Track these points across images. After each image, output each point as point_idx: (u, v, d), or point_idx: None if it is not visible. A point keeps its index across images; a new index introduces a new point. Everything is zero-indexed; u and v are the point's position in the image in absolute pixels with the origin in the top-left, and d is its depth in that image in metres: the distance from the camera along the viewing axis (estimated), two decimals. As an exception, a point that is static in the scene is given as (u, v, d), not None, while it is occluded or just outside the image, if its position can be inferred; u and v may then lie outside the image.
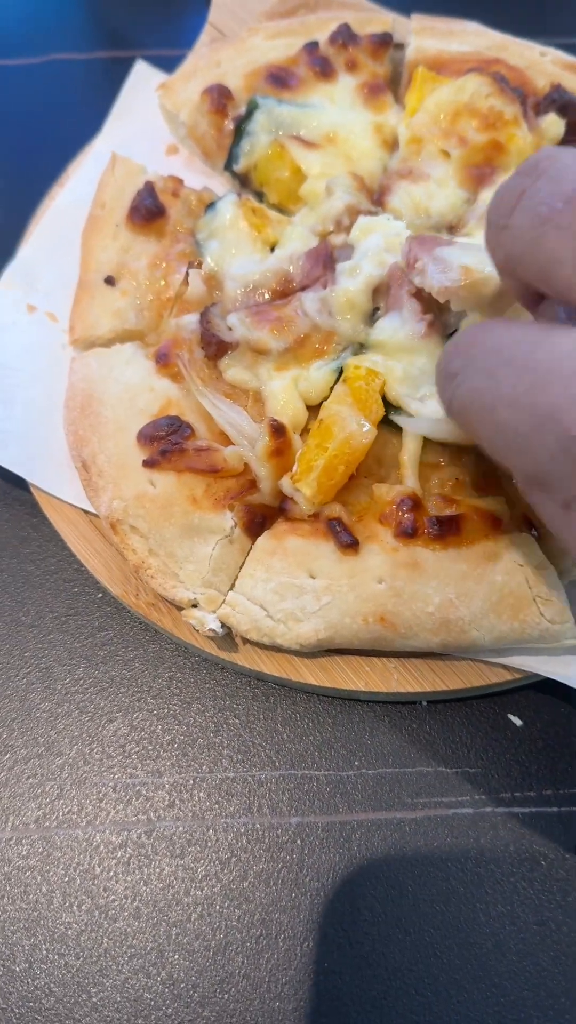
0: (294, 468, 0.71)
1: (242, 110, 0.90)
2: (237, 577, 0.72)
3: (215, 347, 0.75)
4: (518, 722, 0.74)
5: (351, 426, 0.70)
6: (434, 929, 0.68)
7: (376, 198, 0.84)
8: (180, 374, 0.76)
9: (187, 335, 0.77)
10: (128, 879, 0.70)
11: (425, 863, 0.70)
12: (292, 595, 0.69)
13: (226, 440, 0.73)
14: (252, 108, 0.89)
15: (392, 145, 0.89)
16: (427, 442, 0.71)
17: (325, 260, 0.77)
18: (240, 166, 0.89)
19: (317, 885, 0.69)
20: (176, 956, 0.67)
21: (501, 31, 0.97)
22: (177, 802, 0.72)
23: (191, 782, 0.73)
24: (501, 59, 0.93)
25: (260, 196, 0.89)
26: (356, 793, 0.72)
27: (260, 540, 0.72)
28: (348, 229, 0.80)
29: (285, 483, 0.71)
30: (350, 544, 0.69)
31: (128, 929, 0.68)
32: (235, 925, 0.68)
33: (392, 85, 0.95)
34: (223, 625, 0.71)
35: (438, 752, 0.73)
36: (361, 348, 0.75)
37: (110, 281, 0.83)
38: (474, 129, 0.84)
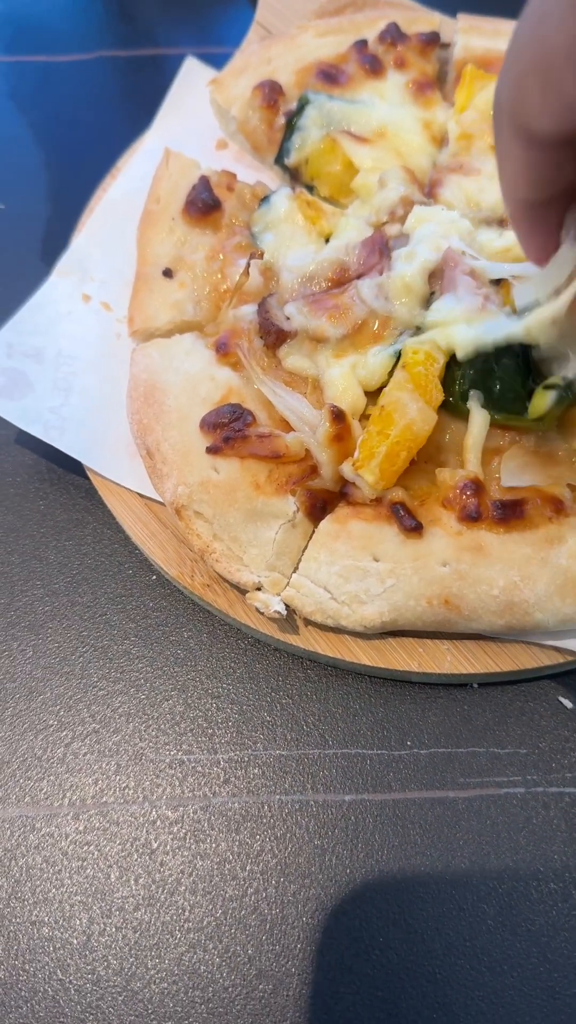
0: (355, 454, 0.73)
1: (293, 105, 0.92)
2: (300, 560, 0.73)
3: (274, 336, 0.77)
4: (569, 705, 0.75)
5: (412, 412, 0.71)
6: (487, 906, 0.69)
7: (427, 191, 0.86)
8: (240, 363, 0.78)
9: (245, 325, 0.78)
10: (184, 854, 0.71)
11: (478, 841, 0.71)
12: (356, 578, 0.70)
13: (286, 427, 0.75)
14: (304, 103, 0.91)
15: (441, 141, 0.91)
16: (489, 427, 0.73)
17: (381, 248, 0.78)
18: (291, 160, 0.91)
19: (371, 861, 0.70)
20: (233, 930, 0.68)
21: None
22: (232, 779, 0.73)
23: (245, 759, 0.74)
24: (547, 58, 0.95)
25: (310, 189, 0.91)
26: (408, 772, 0.73)
27: (323, 524, 0.73)
28: (402, 219, 0.82)
29: (346, 468, 0.73)
30: (414, 528, 0.70)
31: (184, 903, 0.70)
32: (290, 900, 0.69)
33: (439, 83, 0.96)
34: (287, 607, 0.72)
35: (490, 733, 0.74)
36: (418, 332, 0.76)
37: (168, 273, 0.84)
38: (523, 125, 0.86)
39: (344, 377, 0.75)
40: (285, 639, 0.75)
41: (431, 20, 0.99)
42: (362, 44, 0.95)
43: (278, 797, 0.73)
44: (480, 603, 0.69)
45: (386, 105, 0.91)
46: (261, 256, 0.82)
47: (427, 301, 0.77)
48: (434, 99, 0.93)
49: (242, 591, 0.74)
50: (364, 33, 0.97)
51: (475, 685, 0.76)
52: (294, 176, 0.92)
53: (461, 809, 0.72)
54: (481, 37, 0.97)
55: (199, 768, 0.74)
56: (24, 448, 0.88)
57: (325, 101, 0.90)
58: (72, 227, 0.95)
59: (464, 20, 1.00)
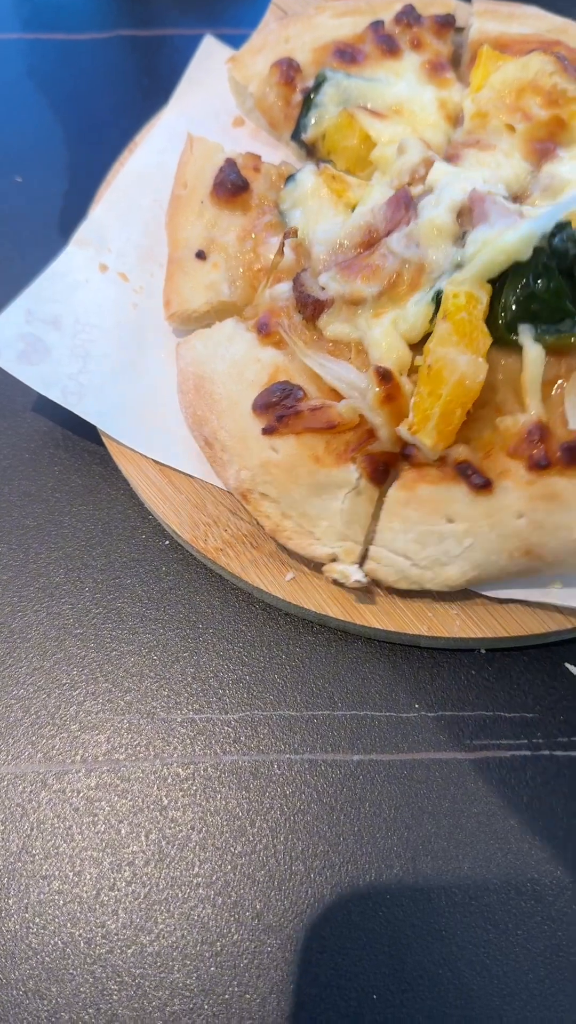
0: (410, 415, 0.73)
1: (310, 83, 0.93)
2: (374, 529, 0.74)
3: (311, 307, 0.77)
4: (575, 671, 0.76)
5: (462, 366, 0.71)
6: (492, 864, 0.70)
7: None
8: (283, 341, 0.78)
9: (282, 303, 0.79)
10: (195, 810, 0.72)
11: (484, 802, 0.72)
12: (433, 542, 0.72)
13: (337, 396, 0.75)
14: (321, 81, 0.92)
15: (455, 120, 0.92)
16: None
17: (406, 203, 0.78)
18: (308, 135, 0.92)
19: (379, 820, 0.71)
20: (241, 886, 0.69)
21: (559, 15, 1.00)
22: (242, 738, 0.74)
23: (256, 719, 0.75)
24: (561, 41, 0.96)
25: (326, 163, 0.92)
26: (416, 734, 0.74)
27: (391, 492, 0.74)
28: (424, 180, 0.82)
29: (403, 430, 0.73)
30: (483, 485, 0.70)
31: (194, 859, 0.71)
32: (299, 856, 0.70)
33: (453, 64, 0.97)
34: (366, 576, 0.73)
35: (496, 698, 0.75)
36: (458, 267, 0.76)
37: (201, 255, 0.85)
38: (538, 105, 0.87)
39: (386, 335, 0.75)
40: (297, 601, 0.76)
41: (446, 3, 1.01)
42: (379, 25, 0.96)
43: (287, 756, 0.74)
44: (563, 548, 0.70)
45: (402, 84, 0.92)
46: (295, 234, 0.82)
47: (460, 240, 0.77)
48: (449, 79, 0.94)
49: (319, 565, 0.75)
50: (380, 14, 0.98)
51: (482, 651, 0.77)
52: (310, 151, 0.93)
53: (468, 770, 0.73)
54: (496, 21, 0.99)
55: (210, 727, 0.75)
56: (39, 415, 0.89)
57: (342, 79, 0.92)
58: (88, 200, 0.96)
59: (479, 4, 1.01)
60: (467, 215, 0.78)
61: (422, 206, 0.79)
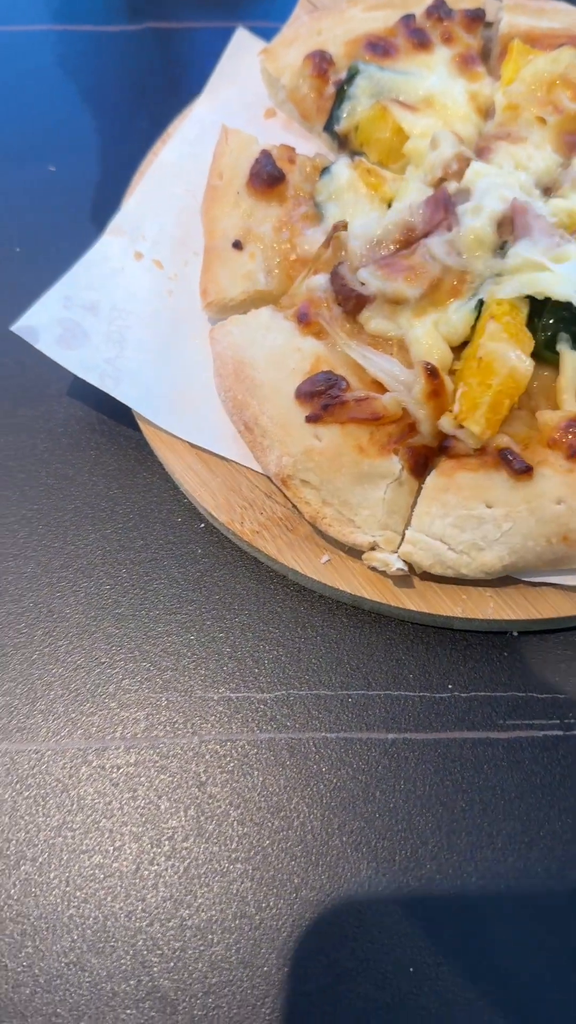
0: (455, 408, 0.75)
1: (343, 75, 0.94)
2: (412, 516, 0.76)
3: (353, 302, 0.79)
4: (607, 653, 0.78)
5: (512, 360, 0.74)
6: (526, 839, 0.71)
7: (476, 157, 0.88)
8: (323, 332, 0.80)
9: (320, 295, 0.81)
10: (233, 786, 0.73)
11: (516, 780, 0.73)
12: (471, 526, 0.73)
13: (378, 388, 0.77)
14: (353, 73, 0.93)
15: (486, 113, 0.94)
16: None
17: (445, 204, 0.80)
18: (341, 127, 0.93)
19: (413, 797, 0.72)
20: (279, 860, 0.71)
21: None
22: (279, 716, 0.76)
23: (291, 699, 0.76)
24: (590, 36, 0.98)
25: (358, 155, 0.93)
26: (450, 714, 0.76)
27: (430, 479, 0.76)
28: (458, 175, 0.84)
29: (445, 422, 0.75)
30: (525, 470, 0.72)
31: (233, 834, 0.72)
32: (335, 831, 0.71)
33: (484, 58, 0.99)
34: (406, 563, 0.75)
35: (529, 679, 0.77)
36: (498, 279, 0.78)
37: (238, 245, 0.87)
38: (568, 98, 0.89)
39: (428, 335, 0.77)
40: (332, 584, 0.77)
41: (476, -2, 1.02)
42: (410, 19, 0.97)
43: (323, 735, 0.75)
44: None
45: (434, 77, 0.94)
46: (345, 227, 0.83)
47: (500, 250, 0.79)
48: (479, 73, 0.95)
49: (358, 552, 0.77)
50: (411, 8, 0.99)
51: (515, 633, 0.78)
52: (342, 143, 0.95)
53: (500, 749, 0.74)
54: (526, 15, 1.00)
55: (247, 705, 0.76)
56: (75, 400, 0.91)
57: (375, 71, 0.93)
58: (120, 190, 0.98)
59: (509, -1, 1.03)
60: (507, 225, 0.80)
61: (462, 212, 0.81)
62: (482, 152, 0.89)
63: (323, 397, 0.77)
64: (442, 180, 0.86)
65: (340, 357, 0.80)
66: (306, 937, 0.68)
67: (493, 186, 0.81)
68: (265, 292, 0.86)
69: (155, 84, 1.13)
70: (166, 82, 1.09)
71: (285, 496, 0.80)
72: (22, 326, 0.83)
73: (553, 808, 0.72)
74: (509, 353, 0.74)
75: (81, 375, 0.82)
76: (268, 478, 0.81)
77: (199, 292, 0.88)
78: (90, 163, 1.07)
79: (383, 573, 0.76)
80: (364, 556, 0.76)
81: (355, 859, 0.70)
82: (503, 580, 0.77)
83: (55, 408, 0.90)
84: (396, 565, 0.74)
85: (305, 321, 0.81)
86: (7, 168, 1.06)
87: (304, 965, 0.67)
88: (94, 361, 0.83)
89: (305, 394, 0.77)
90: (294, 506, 0.79)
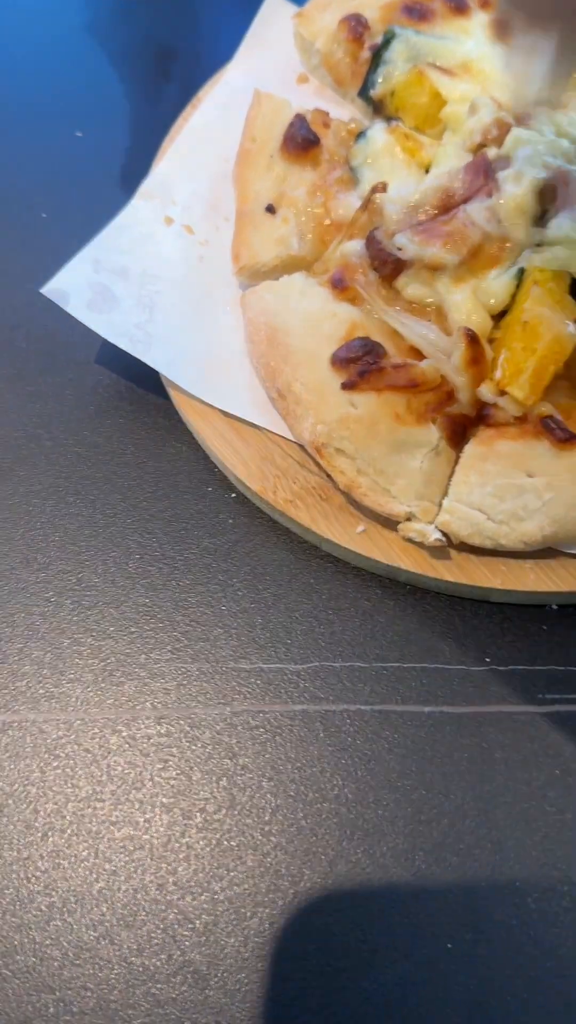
0: (497, 373, 0.73)
1: (378, 40, 0.92)
2: (448, 486, 0.74)
3: (391, 267, 0.77)
4: None
5: (557, 326, 0.72)
6: (568, 814, 0.69)
7: (516, 123, 0.86)
8: (359, 297, 0.78)
9: (355, 260, 0.79)
10: (265, 757, 0.72)
11: (556, 754, 0.71)
12: (512, 495, 0.71)
13: (415, 356, 0.75)
14: (390, 37, 0.91)
15: (525, 79, 0.91)
16: None
17: (486, 169, 0.79)
18: (377, 92, 0.91)
19: (451, 771, 0.71)
20: (314, 834, 0.69)
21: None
22: (312, 688, 0.74)
23: (325, 671, 0.75)
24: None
25: (394, 120, 0.91)
26: (488, 687, 0.74)
27: (468, 447, 0.74)
28: (498, 142, 0.82)
29: (484, 390, 0.73)
30: (569, 438, 0.70)
31: (266, 806, 0.70)
32: (371, 804, 0.70)
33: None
34: (443, 534, 0.73)
35: (569, 653, 0.75)
36: (538, 248, 0.77)
37: (271, 209, 0.85)
38: (611, 62, 0.86)
39: (468, 301, 0.76)
40: (368, 554, 0.76)
41: (513, -37, 1.00)
42: (446, -18, 0.95)
43: (357, 707, 0.74)
44: None
45: (471, 41, 0.92)
46: (384, 189, 0.81)
47: (541, 220, 0.78)
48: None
49: (394, 523, 0.75)
50: (448, -28, 0.97)
51: (554, 607, 0.77)
52: (377, 108, 0.93)
53: (540, 723, 0.73)
54: (564, -20, 0.98)
55: (279, 677, 0.75)
56: (103, 367, 0.89)
57: (411, 36, 0.91)
58: (148, 155, 0.96)
59: (546, -36, 1.00)
60: (550, 193, 0.78)
61: (503, 178, 0.79)
62: (521, 119, 0.87)
63: (360, 363, 0.75)
64: (481, 146, 0.84)
65: (376, 323, 0.78)
66: (341, 912, 0.66)
67: (535, 153, 0.79)
68: (298, 257, 0.84)
69: (185, 49, 1.11)
70: (196, 47, 1.07)
71: (318, 465, 0.78)
72: (52, 289, 0.81)
73: (594, 784, 0.70)
74: (554, 318, 0.72)
75: (111, 339, 0.81)
76: (301, 447, 0.79)
77: (231, 257, 0.86)
78: (117, 129, 1.05)
79: (419, 544, 0.75)
80: (400, 527, 0.75)
81: (391, 833, 0.69)
82: (544, 552, 0.75)
83: (83, 376, 0.89)
84: (433, 535, 0.73)
85: (340, 286, 0.79)
86: (33, 133, 1.05)
87: (338, 940, 0.65)
88: (124, 326, 0.82)
89: (341, 360, 0.76)
90: (328, 475, 0.77)
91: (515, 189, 0.77)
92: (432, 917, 0.66)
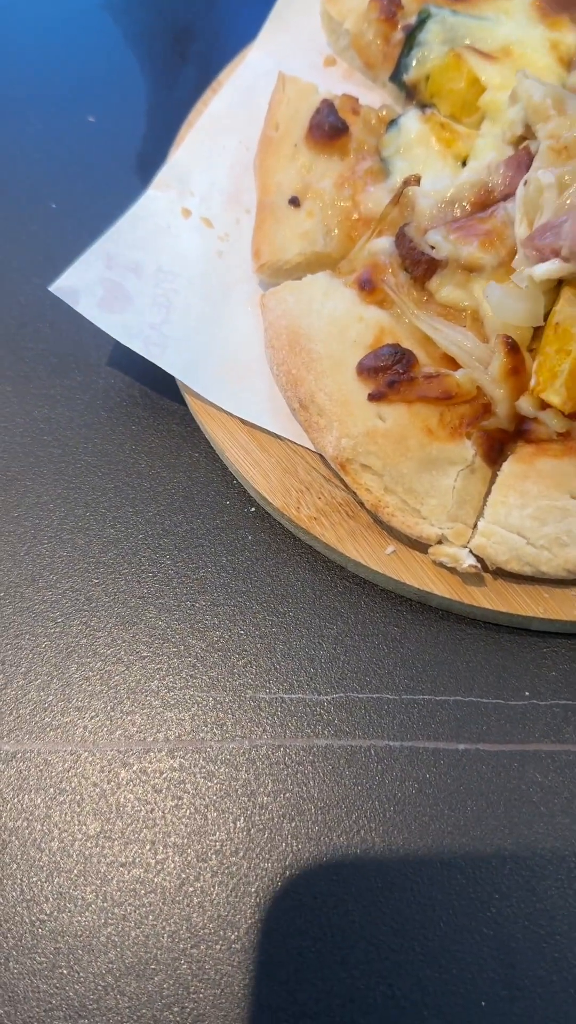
0: (532, 379, 0.68)
1: (412, 20, 0.87)
2: (484, 507, 0.69)
3: (424, 267, 0.72)
4: None
5: None
6: (611, 867, 0.64)
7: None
8: (388, 300, 0.73)
9: (384, 259, 0.74)
10: (287, 796, 0.67)
11: (601, 799, 0.66)
12: (555, 519, 0.66)
13: (448, 365, 0.70)
14: (425, 17, 0.85)
15: (568, 63, 0.86)
16: None
17: (528, 165, 0.73)
18: (410, 76, 0.86)
19: (488, 815, 0.66)
20: (338, 881, 0.64)
21: None
22: (336, 721, 0.69)
23: (351, 702, 0.70)
24: None
25: (428, 107, 0.85)
26: (527, 723, 0.69)
27: (507, 465, 0.69)
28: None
29: (524, 403, 0.68)
30: None
31: (287, 849, 0.66)
32: (400, 850, 0.65)
33: (566, 4, 0.90)
34: (478, 558, 0.68)
35: (615, 687, 0.70)
36: None
37: (295, 202, 0.80)
38: None
39: None
40: (398, 577, 0.71)
41: None
42: (486, -41, 0.89)
43: (386, 743, 0.69)
44: None
45: (512, 23, 0.86)
46: (417, 182, 0.76)
47: None
48: (562, 20, 0.87)
49: (424, 546, 0.70)
50: (488, -52, 0.91)
51: (599, 636, 0.71)
52: (410, 94, 0.87)
53: (585, 764, 0.67)
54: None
55: (302, 708, 0.70)
56: (116, 370, 0.84)
57: (448, 16, 0.85)
58: (165, 143, 0.91)
59: None
60: None
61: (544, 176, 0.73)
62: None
63: (389, 373, 0.69)
64: (523, 138, 0.78)
65: (407, 329, 0.73)
66: (368, 966, 0.62)
67: None
68: (323, 255, 0.79)
69: (204, 28, 1.05)
70: (216, 27, 1.01)
71: (343, 481, 0.73)
72: (62, 286, 0.76)
73: None
74: None
75: (124, 341, 0.75)
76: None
77: (251, 253, 0.80)
78: (132, 114, 1.00)
79: (452, 570, 0.69)
80: (431, 550, 0.69)
81: (422, 882, 0.64)
82: (588, 577, 0.70)
83: (95, 379, 0.83)
84: (467, 561, 0.68)
85: (368, 288, 0.74)
86: (43, 119, 0.99)
87: (368, 996, 0.61)
88: (138, 326, 0.76)
89: (368, 369, 0.70)
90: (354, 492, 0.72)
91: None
92: (466, 972, 0.62)
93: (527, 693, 0.70)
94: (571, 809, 0.66)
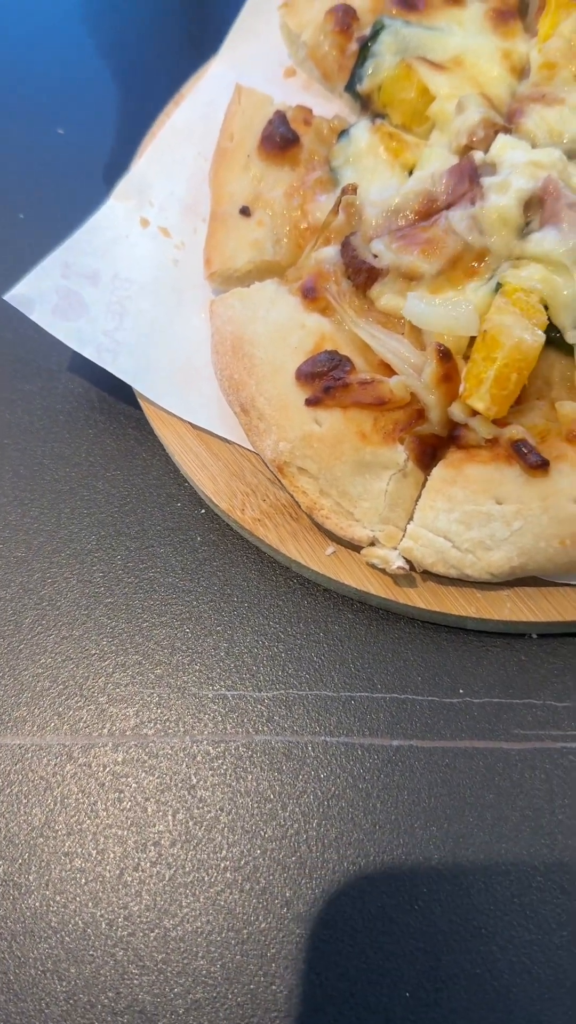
0: (461, 385, 0.69)
1: (366, 31, 0.88)
2: (415, 510, 0.70)
3: (364, 275, 0.73)
4: None
5: (518, 332, 0.67)
6: (538, 863, 0.66)
7: (506, 121, 0.82)
8: (330, 307, 0.74)
9: (329, 267, 0.75)
10: (224, 790, 0.69)
11: (531, 795, 0.68)
12: (479, 523, 0.67)
13: (386, 371, 0.72)
14: (378, 29, 0.87)
15: (520, 72, 0.87)
16: None
17: (471, 175, 0.74)
18: (364, 87, 0.87)
19: (418, 810, 0.67)
20: (271, 871, 0.66)
21: None
22: (276, 717, 0.71)
23: (290, 699, 0.72)
24: None
25: (381, 118, 0.87)
26: (460, 721, 0.70)
27: (436, 470, 0.70)
28: (485, 144, 0.78)
29: (455, 409, 0.69)
30: (540, 464, 0.66)
31: (223, 841, 0.67)
32: (332, 843, 0.67)
33: (520, 14, 0.92)
34: (407, 561, 0.69)
35: (549, 686, 0.71)
36: (516, 261, 0.72)
37: (245, 212, 0.81)
38: (611, 55, 0.81)
39: None
40: (337, 576, 0.72)
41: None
42: (442, -30, 0.90)
43: (323, 738, 0.70)
44: None
45: (464, 33, 0.87)
46: (354, 191, 0.77)
47: (522, 231, 0.73)
48: (515, 29, 0.88)
49: (356, 548, 0.72)
50: (444, -41, 0.92)
51: (534, 636, 0.73)
52: (364, 104, 0.89)
53: (515, 762, 0.69)
54: (567, -33, 0.92)
55: (243, 705, 0.72)
56: (74, 375, 0.86)
57: (401, 27, 0.87)
58: (131, 154, 0.93)
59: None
60: (536, 205, 0.74)
61: (487, 186, 0.74)
62: (514, 115, 0.83)
63: (325, 379, 0.71)
64: (468, 148, 0.80)
65: (347, 336, 0.74)
66: (296, 955, 0.63)
67: (523, 162, 0.75)
68: (272, 263, 0.81)
69: (173, 42, 1.08)
70: (185, 39, 1.03)
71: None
72: (16, 295, 0.78)
73: (571, 827, 0.66)
74: (515, 326, 0.68)
75: (76, 348, 0.78)
76: (272, 462, 0.76)
77: (203, 261, 0.82)
78: (102, 126, 1.02)
79: (382, 571, 0.71)
80: (363, 552, 0.71)
81: (352, 873, 0.66)
82: (523, 579, 0.71)
83: (54, 383, 0.86)
84: (396, 563, 0.69)
85: (311, 295, 0.76)
86: (12, 130, 1.02)
87: (293, 984, 0.62)
88: (92, 333, 0.78)
89: (306, 375, 0.72)
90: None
91: (499, 199, 0.72)
92: (391, 962, 0.63)
93: (461, 691, 0.71)
94: (499, 805, 0.67)
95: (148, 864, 0.67)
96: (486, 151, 0.77)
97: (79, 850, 0.67)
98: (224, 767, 0.70)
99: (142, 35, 1.10)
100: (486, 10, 0.89)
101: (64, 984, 0.63)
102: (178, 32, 1.09)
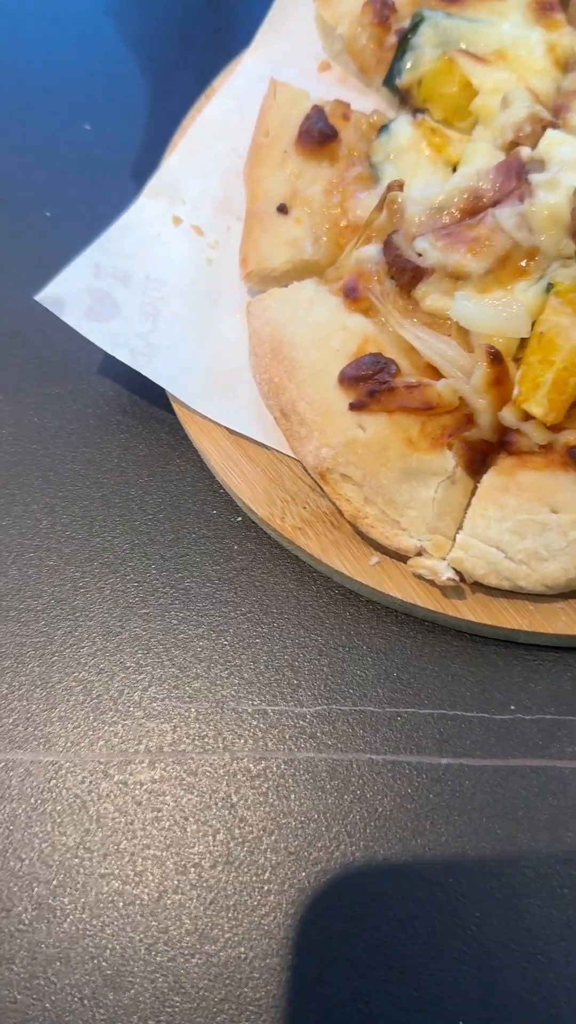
0: (515, 389, 0.67)
1: (406, 23, 0.86)
2: (464, 519, 0.68)
3: (410, 275, 0.71)
4: None
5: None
6: (595, 886, 0.63)
7: (553, 116, 0.79)
8: (372, 308, 0.72)
9: (371, 267, 0.73)
10: (267, 810, 0.66)
11: (586, 816, 0.65)
12: (533, 533, 0.65)
13: (432, 374, 0.69)
14: (418, 21, 0.84)
15: (565, 66, 0.84)
16: None
17: (518, 171, 0.72)
18: (403, 81, 0.84)
19: (469, 831, 0.65)
20: (316, 896, 0.64)
21: None
22: (319, 734, 0.69)
23: (334, 715, 0.69)
24: None
25: (421, 112, 0.84)
26: (512, 738, 0.68)
27: (487, 477, 0.68)
28: (532, 140, 0.75)
29: (506, 414, 0.67)
30: None
31: (266, 863, 0.65)
32: (379, 865, 0.64)
33: (563, 5, 0.89)
34: (456, 572, 0.67)
35: (602, 701, 0.69)
36: (568, 260, 0.70)
37: (283, 209, 0.79)
38: None
39: None
40: (382, 589, 0.70)
41: None
42: (482, -40, 0.88)
43: (368, 756, 0.68)
44: None
45: (507, 25, 0.85)
46: (400, 188, 0.75)
47: (572, 230, 0.71)
48: (558, 21, 0.86)
49: (403, 558, 0.69)
50: (484, -51, 0.90)
51: (587, 650, 0.70)
52: (403, 99, 0.86)
53: (570, 780, 0.66)
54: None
55: (284, 720, 0.69)
56: (105, 378, 0.84)
57: (442, 18, 0.84)
58: (161, 151, 0.90)
59: None
60: None
61: (536, 183, 0.72)
62: (560, 110, 0.80)
63: (370, 382, 0.69)
64: (514, 144, 0.77)
65: (391, 338, 0.72)
66: (346, 983, 0.61)
67: (573, 159, 0.72)
68: (311, 262, 0.78)
69: (201, 35, 1.05)
70: (213, 33, 1.01)
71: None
72: (47, 295, 0.76)
73: (627, 850, 0.64)
74: (572, 328, 0.65)
75: (109, 350, 0.75)
76: (311, 469, 0.74)
77: (239, 261, 0.80)
78: (129, 121, 1.00)
79: (430, 582, 0.69)
80: (410, 563, 0.68)
81: (399, 897, 0.63)
82: (576, 589, 0.68)
83: (84, 387, 0.83)
84: (446, 574, 0.67)
85: (353, 296, 0.73)
86: (38, 126, 1.00)
87: (340, 1015, 0.60)
88: (125, 336, 0.76)
89: (350, 378, 0.69)
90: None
91: (550, 197, 0.70)
92: (444, 990, 0.61)
93: (512, 707, 0.69)
94: (554, 826, 0.65)
95: (188, 887, 0.64)
96: (533, 147, 0.74)
97: (116, 871, 0.65)
98: (265, 786, 0.67)
99: (169, 28, 1.08)
100: (528, 1, 0.86)
101: (103, 1012, 0.61)
102: (205, 25, 1.07)
